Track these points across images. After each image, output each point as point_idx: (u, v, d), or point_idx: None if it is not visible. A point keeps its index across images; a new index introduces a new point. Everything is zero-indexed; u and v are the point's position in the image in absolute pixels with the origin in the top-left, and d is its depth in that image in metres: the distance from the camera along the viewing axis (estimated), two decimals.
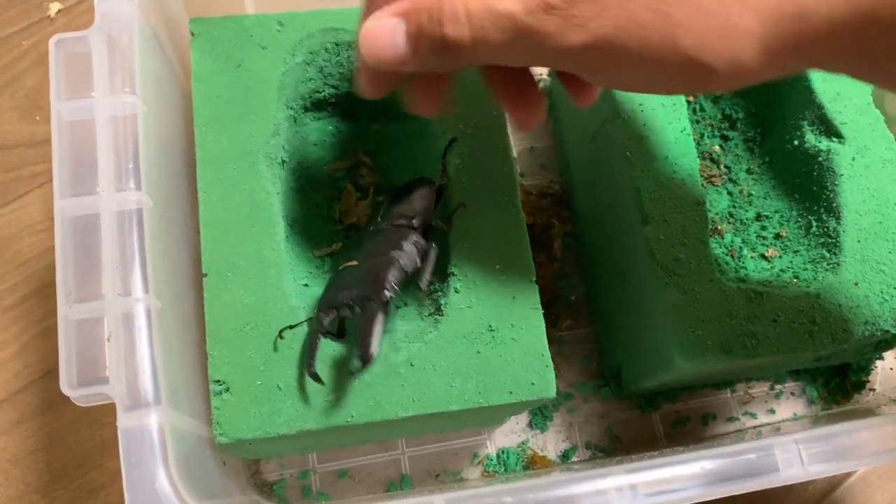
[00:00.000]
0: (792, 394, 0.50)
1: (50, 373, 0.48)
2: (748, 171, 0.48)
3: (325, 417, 0.35)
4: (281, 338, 0.35)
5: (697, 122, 0.49)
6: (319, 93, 0.44)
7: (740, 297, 0.39)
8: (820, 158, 0.43)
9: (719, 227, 0.45)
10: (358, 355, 0.33)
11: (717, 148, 0.48)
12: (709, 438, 0.48)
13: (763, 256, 0.44)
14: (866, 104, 0.44)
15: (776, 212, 0.45)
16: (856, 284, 0.40)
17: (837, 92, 0.44)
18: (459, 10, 0.26)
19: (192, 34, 0.41)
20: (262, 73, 0.40)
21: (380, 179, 0.45)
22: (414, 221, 0.38)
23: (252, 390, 0.35)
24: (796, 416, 0.50)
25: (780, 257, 0.44)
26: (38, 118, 0.53)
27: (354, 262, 0.37)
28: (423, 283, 0.36)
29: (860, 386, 0.50)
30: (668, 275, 0.40)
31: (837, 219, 0.42)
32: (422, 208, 0.39)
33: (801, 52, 0.26)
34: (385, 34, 0.28)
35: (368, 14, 0.29)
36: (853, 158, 0.43)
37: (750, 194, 0.47)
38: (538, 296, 0.38)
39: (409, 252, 0.35)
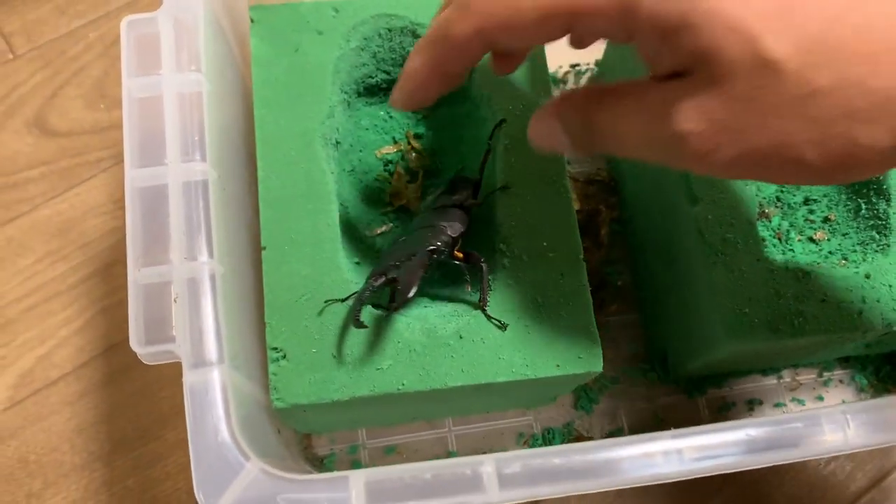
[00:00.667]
0: (841, 381, 0.50)
1: (111, 348, 0.50)
2: None
3: (376, 385, 0.36)
4: (326, 303, 0.36)
5: None
6: (372, 78, 0.45)
7: (788, 276, 0.40)
8: None
9: (767, 211, 0.46)
10: (397, 293, 0.34)
11: None
12: None
13: (811, 239, 0.44)
14: None
15: (824, 196, 0.45)
16: None
17: None
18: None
19: (252, 21, 0.42)
20: (317, 58, 0.42)
21: (429, 163, 0.46)
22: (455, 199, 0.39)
23: (307, 358, 0.36)
24: (845, 403, 0.49)
25: (829, 240, 0.44)
26: (102, 106, 0.56)
27: (404, 238, 0.38)
28: (483, 303, 0.37)
29: None
30: (716, 254, 0.40)
31: (888, 201, 0.42)
32: (462, 197, 0.40)
33: None
34: (549, 136, 0.31)
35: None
36: None
37: None
38: (585, 273, 0.38)
39: (453, 220, 0.36)
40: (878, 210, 0.42)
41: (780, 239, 0.45)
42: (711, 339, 0.40)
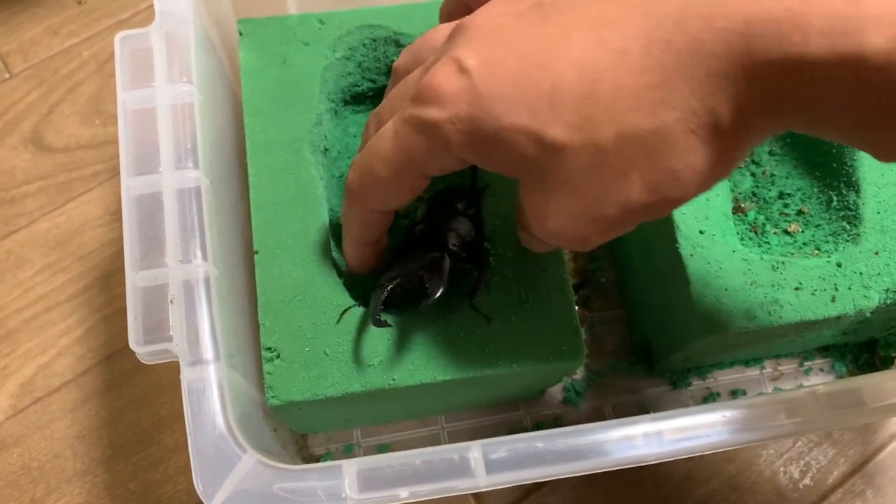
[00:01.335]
0: (821, 370, 0.52)
1: (111, 356, 0.51)
2: (770, 153, 0.49)
3: (368, 380, 0.37)
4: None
5: None
6: (358, 86, 0.47)
7: (763, 266, 0.41)
8: None
9: (743, 206, 0.47)
10: (427, 294, 0.35)
11: None
12: None
13: (786, 232, 0.46)
14: None
15: (798, 189, 0.47)
16: (876, 253, 0.41)
17: None
18: None
19: (241, 33, 0.44)
20: (305, 68, 0.43)
21: None
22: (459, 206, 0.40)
23: (301, 356, 0.37)
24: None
25: (803, 232, 0.45)
26: (97, 122, 0.57)
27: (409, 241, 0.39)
28: (472, 296, 0.38)
29: (888, 361, 0.51)
30: (692, 247, 0.41)
31: (857, 192, 0.43)
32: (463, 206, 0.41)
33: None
34: (536, 247, 0.36)
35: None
36: None
37: (772, 174, 0.48)
38: (566, 268, 0.40)
39: (461, 224, 0.38)
40: (848, 202, 0.44)
41: (756, 232, 0.47)
42: (690, 329, 0.42)
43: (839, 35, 0.22)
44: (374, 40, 0.45)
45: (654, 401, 0.50)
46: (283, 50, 0.44)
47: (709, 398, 0.51)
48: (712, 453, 0.38)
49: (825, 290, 0.41)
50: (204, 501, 0.30)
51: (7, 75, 0.58)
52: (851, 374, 0.51)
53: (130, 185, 0.35)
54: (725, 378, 0.51)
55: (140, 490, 0.48)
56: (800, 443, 0.50)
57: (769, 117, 0.25)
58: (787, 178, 0.48)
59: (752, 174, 0.49)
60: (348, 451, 0.48)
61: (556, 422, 0.49)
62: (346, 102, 0.47)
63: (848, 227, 0.43)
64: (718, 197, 0.42)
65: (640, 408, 0.50)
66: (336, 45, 0.44)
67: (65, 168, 0.56)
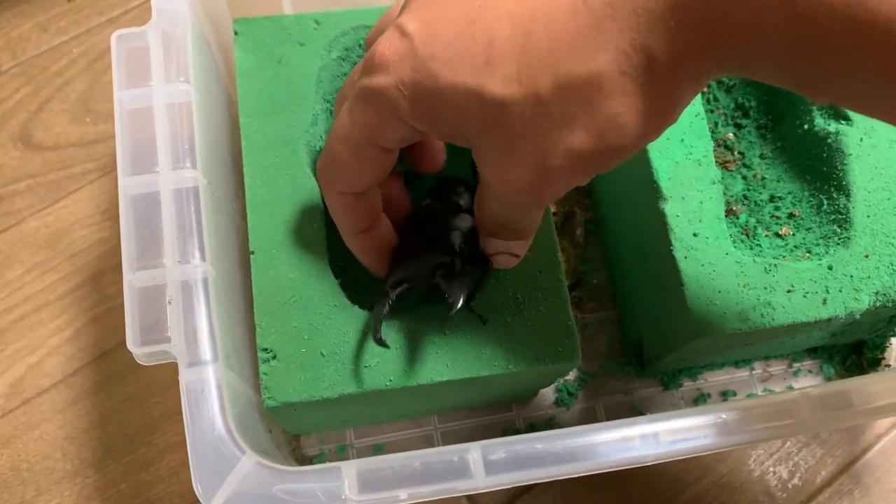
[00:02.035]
0: (810, 371, 0.52)
1: (101, 356, 0.50)
2: (761, 157, 0.50)
3: (364, 382, 0.37)
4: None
5: (711, 111, 0.51)
6: None
7: (756, 269, 0.42)
8: (829, 140, 0.45)
9: (734, 208, 0.48)
10: (450, 304, 0.35)
11: (730, 135, 0.50)
12: None
13: (777, 235, 0.46)
14: None
15: (789, 193, 0.48)
16: (866, 256, 0.42)
17: None
18: None
19: (236, 33, 0.44)
20: (300, 68, 0.43)
21: (410, 167, 0.48)
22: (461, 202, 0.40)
23: (297, 357, 0.37)
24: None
25: (794, 235, 0.46)
26: (87, 120, 0.57)
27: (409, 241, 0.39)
28: (471, 297, 0.37)
29: (876, 363, 0.52)
30: (686, 249, 0.42)
31: (847, 196, 0.44)
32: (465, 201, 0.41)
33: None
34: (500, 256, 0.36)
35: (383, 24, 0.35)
36: (861, 139, 0.45)
37: (763, 178, 0.49)
38: (562, 270, 0.40)
39: (465, 220, 0.38)
40: (838, 205, 0.44)
41: (747, 235, 0.47)
42: (684, 330, 0.42)
43: None
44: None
45: (645, 401, 0.51)
46: (278, 50, 0.44)
47: (699, 399, 0.51)
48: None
49: (816, 292, 0.41)
50: (203, 503, 0.30)
51: None
52: (840, 375, 0.52)
53: (127, 185, 0.35)
54: (716, 379, 0.52)
55: (131, 491, 0.47)
56: (789, 443, 0.51)
57: (704, 56, 0.25)
58: (778, 181, 0.48)
59: (744, 177, 0.49)
60: (341, 452, 0.48)
61: (549, 422, 0.50)
62: None
63: (838, 230, 0.44)
64: (712, 200, 0.43)
65: (632, 408, 0.51)
66: (332, 45, 0.44)
67: (54, 166, 0.55)
